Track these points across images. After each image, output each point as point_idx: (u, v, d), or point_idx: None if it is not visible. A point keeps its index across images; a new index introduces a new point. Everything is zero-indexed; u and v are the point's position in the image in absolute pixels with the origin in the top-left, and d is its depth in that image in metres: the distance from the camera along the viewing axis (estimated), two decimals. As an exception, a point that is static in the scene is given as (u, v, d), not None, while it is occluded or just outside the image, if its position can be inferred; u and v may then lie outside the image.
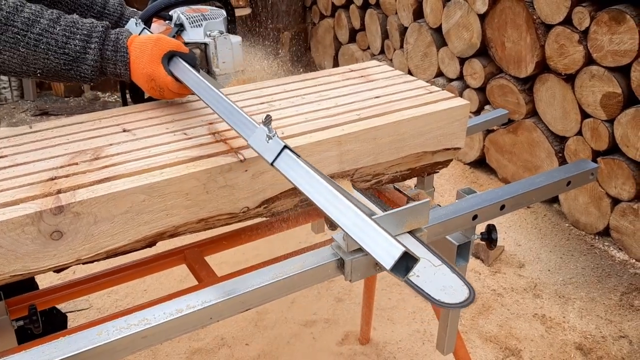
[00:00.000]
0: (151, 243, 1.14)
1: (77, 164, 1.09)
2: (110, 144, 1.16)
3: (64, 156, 1.12)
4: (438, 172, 1.47)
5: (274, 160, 0.98)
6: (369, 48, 4.27)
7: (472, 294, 0.93)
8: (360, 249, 0.99)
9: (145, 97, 1.50)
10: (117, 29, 1.27)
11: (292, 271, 1.01)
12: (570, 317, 2.44)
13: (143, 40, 1.25)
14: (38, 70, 1.20)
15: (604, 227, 2.83)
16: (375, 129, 1.24)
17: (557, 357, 2.24)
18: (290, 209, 1.29)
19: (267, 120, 0.99)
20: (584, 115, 2.76)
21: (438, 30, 3.47)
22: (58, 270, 1.08)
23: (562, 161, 2.97)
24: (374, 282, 2.16)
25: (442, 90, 1.41)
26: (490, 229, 1.27)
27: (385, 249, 0.82)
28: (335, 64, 4.74)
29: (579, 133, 2.82)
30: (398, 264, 0.80)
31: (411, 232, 1.04)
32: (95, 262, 1.11)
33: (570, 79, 2.77)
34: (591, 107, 2.69)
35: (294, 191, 1.24)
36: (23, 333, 1.26)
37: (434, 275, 0.95)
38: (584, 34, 2.61)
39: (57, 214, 0.97)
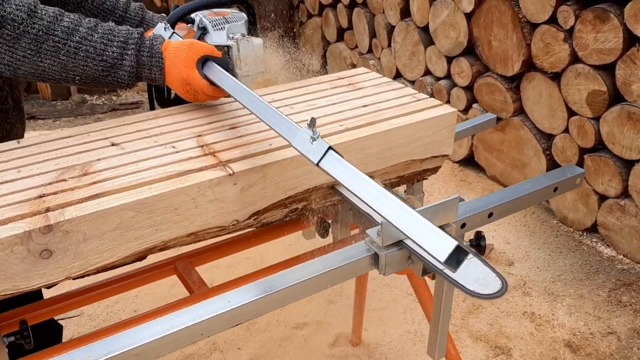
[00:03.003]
0: (141, 257, 1.14)
1: (65, 180, 1.09)
2: (99, 159, 1.16)
3: (52, 172, 1.11)
4: (427, 178, 1.48)
5: (319, 161, 1.02)
6: (357, 47, 4.27)
7: (504, 284, 0.94)
8: (394, 244, 1.03)
9: (172, 99, 1.52)
10: (152, 35, 1.31)
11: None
12: (559, 314, 2.47)
13: (177, 46, 1.29)
14: (77, 77, 1.24)
15: (591, 224, 2.86)
16: (364, 139, 1.25)
17: (547, 355, 2.27)
18: (280, 219, 1.29)
19: (312, 123, 1.03)
20: (571, 113, 2.78)
21: (425, 29, 3.48)
22: (49, 286, 1.08)
23: (550, 158, 3.00)
24: (366, 284, 2.17)
25: (430, 97, 1.42)
26: (479, 236, 1.28)
27: (437, 242, 0.87)
28: (324, 62, 4.74)
29: (566, 131, 2.84)
30: (450, 256, 0.84)
31: (441, 227, 1.06)
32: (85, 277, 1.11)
33: (556, 77, 2.79)
34: (577, 105, 2.71)
35: (284, 202, 1.24)
36: (15, 348, 1.25)
37: (467, 268, 0.95)
38: (569, 32, 2.63)
39: (46, 233, 0.97)
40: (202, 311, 0.96)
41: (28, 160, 1.16)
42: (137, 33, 1.27)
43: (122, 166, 1.13)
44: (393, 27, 3.75)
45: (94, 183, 1.07)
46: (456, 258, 0.85)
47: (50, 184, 1.07)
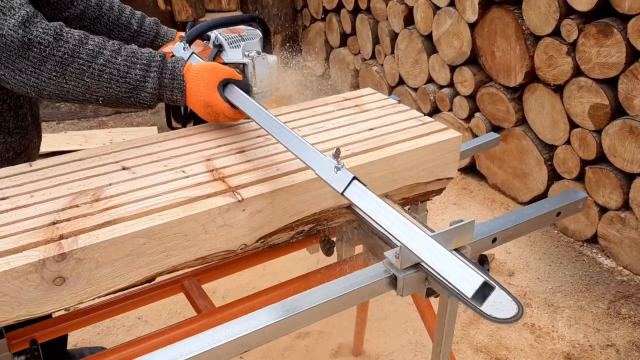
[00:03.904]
0: (150, 280, 1.16)
1: (78, 206, 1.11)
2: (110, 184, 1.18)
3: (65, 197, 1.13)
4: (431, 199, 1.50)
5: (344, 190, 1.05)
6: (360, 52, 4.28)
7: (520, 309, 0.95)
8: (412, 266, 1.05)
9: (188, 114, 1.55)
10: (174, 58, 1.35)
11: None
12: (559, 326, 2.49)
13: (199, 69, 1.32)
14: (100, 98, 1.27)
15: (592, 235, 2.88)
16: (370, 164, 1.27)
17: (546, 367, 2.29)
18: (287, 240, 1.31)
19: (337, 153, 1.07)
20: (573, 125, 2.80)
21: (429, 37, 3.49)
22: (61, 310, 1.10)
23: (551, 169, 3.02)
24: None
25: (435, 121, 1.44)
26: (482, 260, 1.30)
27: (465, 278, 0.90)
28: (327, 67, 4.75)
29: (568, 142, 2.86)
30: (477, 292, 0.88)
31: (457, 250, 1.08)
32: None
33: (559, 89, 2.80)
34: (579, 118, 2.73)
35: (291, 225, 1.26)
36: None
37: None
38: (573, 45, 2.64)
39: (59, 261, 0.99)
40: (211, 339, 0.98)
41: (40, 185, 1.18)
42: (160, 56, 1.31)
43: (133, 191, 1.15)
44: (396, 34, 3.77)
45: (106, 209, 1.09)
46: (482, 293, 0.89)
47: (63, 209, 1.09)
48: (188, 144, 1.34)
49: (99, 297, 1.09)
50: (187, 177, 1.20)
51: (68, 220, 1.06)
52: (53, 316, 1.43)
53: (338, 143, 1.33)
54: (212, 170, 1.23)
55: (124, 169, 1.24)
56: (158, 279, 1.39)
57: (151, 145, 1.33)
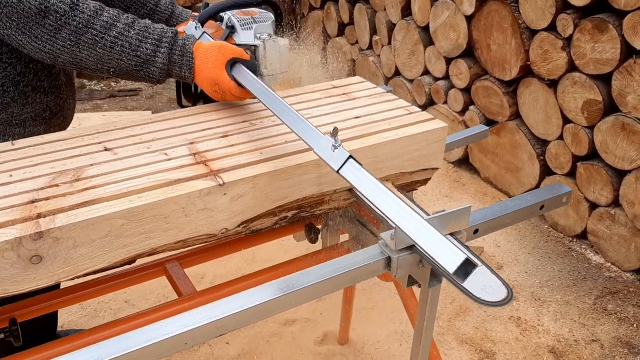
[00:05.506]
0: (129, 262, 1.16)
1: (57, 185, 1.10)
2: (91, 164, 1.17)
3: (45, 177, 1.13)
4: (417, 189, 1.49)
5: (339, 169, 1.08)
6: (357, 42, 4.27)
7: (510, 293, 0.98)
8: (407, 248, 1.07)
9: (198, 94, 1.56)
10: (185, 35, 1.37)
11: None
12: (545, 320, 2.50)
13: (208, 47, 1.34)
14: (111, 69, 1.30)
15: (581, 230, 2.89)
16: (354, 151, 1.26)
17: (530, 360, 2.30)
18: (270, 226, 1.31)
19: (334, 132, 1.09)
20: (566, 120, 2.80)
21: (425, 29, 3.48)
22: (37, 290, 1.10)
23: (543, 164, 3.02)
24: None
25: (422, 111, 1.43)
26: (464, 251, 1.30)
27: (448, 254, 0.94)
28: (324, 56, 4.73)
29: (560, 137, 2.86)
30: (459, 268, 0.91)
31: (452, 234, 1.09)
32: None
33: (553, 84, 2.80)
34: (572, 113, 2.73)
35: (274, 211, 1.26)
36: (4, 345, 1.28)
37: (475, 275, 0.97)
38: (568, 40, 2.63)
39: (36, 239, 0.99)
40: (188, 320, 0.98)
41: (21, 163, 1.17)
42: (171, 32, 1.32)
43: (114, 172, 1.14)
44: (394, 25, 3.75)
45: (86, 189, 1.09)
46: (464, 270, 0.92)
47: (42, 188, 1.09)
48: (172, 127, 1.33)
49: (77, 277, 1.09)
50: (169, 159, 1.20)
51: (47, 199, 1.06)
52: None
53: (323, 130, 1.32)
54: (194, 154, 1.23)
55: (106, 149, 1.23)
56: (140, 262, 1.40)
57: (134, 128, 1.32)
